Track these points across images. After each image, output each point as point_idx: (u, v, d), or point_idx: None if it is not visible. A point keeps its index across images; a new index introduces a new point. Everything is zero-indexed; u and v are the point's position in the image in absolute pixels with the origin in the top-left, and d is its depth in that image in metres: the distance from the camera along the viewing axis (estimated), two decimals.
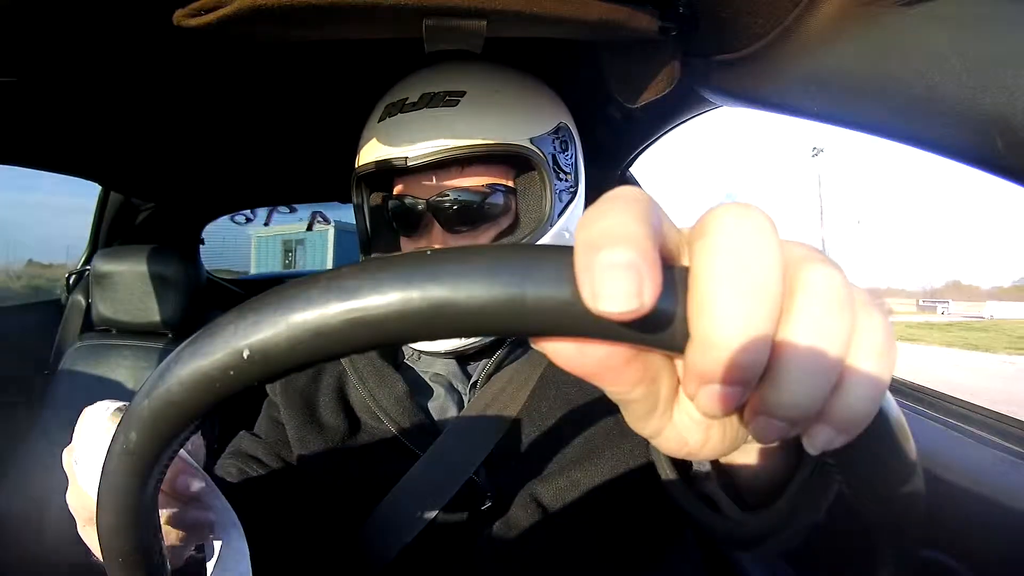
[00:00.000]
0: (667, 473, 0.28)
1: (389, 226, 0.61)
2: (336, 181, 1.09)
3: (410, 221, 0.57)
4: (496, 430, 0.52)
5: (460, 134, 0.53)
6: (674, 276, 0.16)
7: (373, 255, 0.63)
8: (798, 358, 0.16)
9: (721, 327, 0.15)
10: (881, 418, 0.18)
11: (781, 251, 0.16)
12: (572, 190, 0.59)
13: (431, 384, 0.58)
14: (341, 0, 0.40)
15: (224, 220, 1.72)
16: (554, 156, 0.57)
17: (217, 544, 0.33)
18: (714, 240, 0.16)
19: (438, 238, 0.56)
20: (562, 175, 0.58)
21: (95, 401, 0.34)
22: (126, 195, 1.41)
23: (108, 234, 1.45)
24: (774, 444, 0.22)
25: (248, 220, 1.78)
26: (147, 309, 1.29)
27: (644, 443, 0.22)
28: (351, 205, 0.64)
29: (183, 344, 0.18)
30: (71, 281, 1.47)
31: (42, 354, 1.38)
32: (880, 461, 0.19)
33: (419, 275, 0.16)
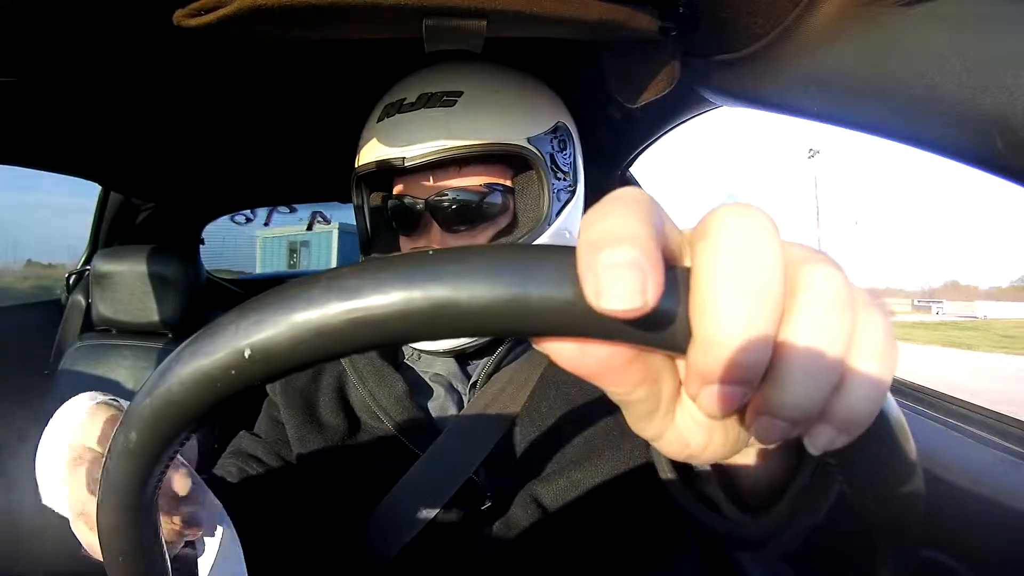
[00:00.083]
0: (667, 474, 0.28)
1: (388, 226, 0.61)
2: (336, 181, 1.09)
3: (409, 221, 0.57)
4: (496, 430, 0.52)
5: (457, 134, 0.53)
6: (676, 276, 0.16)
7: (373, 255, 0.63)
8: (800, 358, 0.16)
9: (723, 326, 0.15)
10: (882, 418, 0.18)
11: (783, 251, 0.16)
12: (571, 189, 0.59)
13: (431, 384, 0.58)
14: (341, 0, 0.40)
15: (224, 220, 1.72)
16: (552, 156, 0.57)
17: (208, 541, 0.33)
18: (716, 240, 0.16)
19: (436, 238, 0.56)
20: (560, 174, 0.58)
21: None
22: (126, 195, 1.41)
23: (108, 234, 1.45)
24: (775, 446, 0.22)
25: (248, 220, 1.78)
26: (147, 309, 1.29)
27: (644, 443, 0.22)
28: (352, 206, 0.64)
29: (184, 343, 0.18)
30: (71, 281, 1.48)
31: (42, 354, 1.38)
32: (881, 461, 0.19)
33: (421, 275, 0.16)
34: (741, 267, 0.16)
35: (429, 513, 0.49)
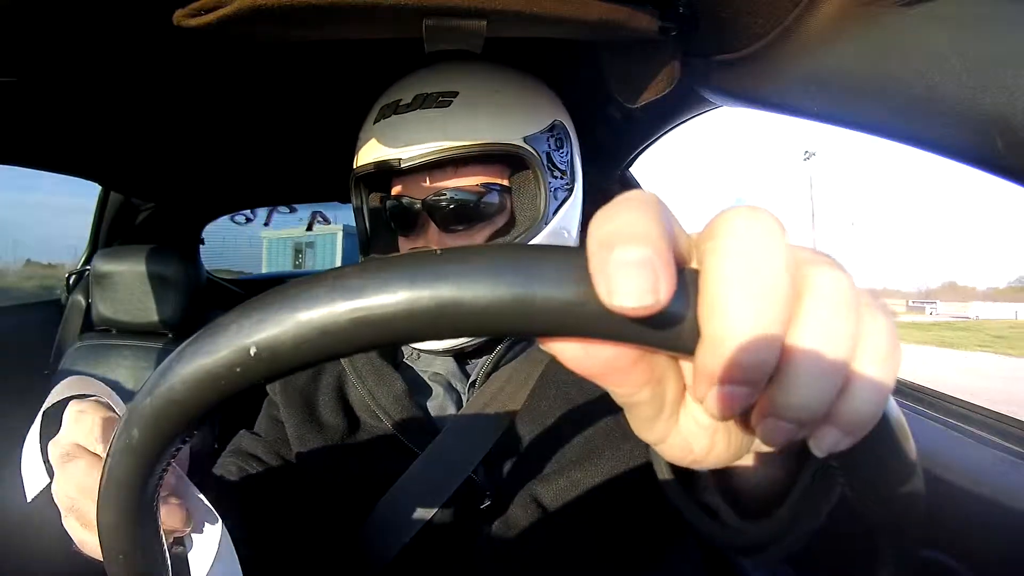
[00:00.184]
0: (666, 477, 0.28)
1: (387, 226, 0.62)
2: (336, 181, 1.09)
3: (406, 221, 0.58)
4: (495, 429, 0.52)
5: (453, 135, 0.53)
6: (685, 277, 0.16)
7: (372, 256, 0.63)
8: (807, 359, 0.16)
9: (732, 327, 0.15)
10: (883, 419, 0.18)
11: (791, 254, 0.16)
12: (568, 187, 0.59)
13: (430, 383, 0.58)
14: (341, 0, 0.40)
15: (224, 220, 1.72)
16: (548, 154, 0.57)
17: (195, 537, 0.33)
18: (725, 242, 0.16)
19: (434, 238, 0.56)
20: (557, 173, 0.58)
21: None
22: (126, 195, 1.41)
23: (108, 234, 1.45)
24: (777, 449, 0.22)
25: (248, 220, 1.78)
26: (147, 309, 1.29)
27: (644, 444, 0.22)
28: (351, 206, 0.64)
29: (186, 342, 0.18)
30: (71, 281, 1.47)
31: (42, 354, 1.38)
32: (882, 462, 0.19)
33: (427, 274, 0.16)
34: (750, 269, 0.16)
35: (428, 512, 0.49)
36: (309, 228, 2.16)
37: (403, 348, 0.62)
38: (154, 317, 1.29)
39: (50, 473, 0.33)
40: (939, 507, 0.45)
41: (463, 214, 0.55)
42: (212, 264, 1.88)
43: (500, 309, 0.16)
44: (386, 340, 0.16)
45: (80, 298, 1.41)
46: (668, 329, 0.16)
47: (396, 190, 0.59)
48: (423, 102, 0.55)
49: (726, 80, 0.52)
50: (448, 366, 0.59)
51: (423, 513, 0.49)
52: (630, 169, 1.06)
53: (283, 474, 0.55)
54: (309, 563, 0.52)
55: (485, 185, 0.56)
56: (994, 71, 0.28)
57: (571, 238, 0.60)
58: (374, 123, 0.58)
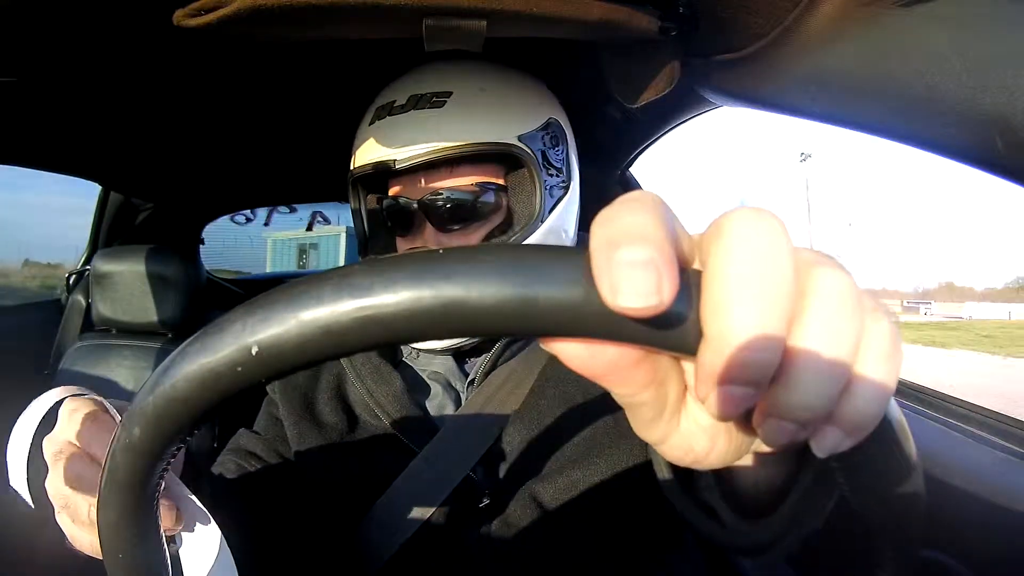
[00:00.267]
0: (665, 477, 0.28)
1: (384, 226, 0.62)
2: (336, 181, 1.09)
3: (403, 221, 0.58)
4: (494, 427, 0.52)
5: (447, 135, 0.53)
6: (688, 278, 0.16)
7: (370, 256, 0.63)
8: (809, 359, 0.16)
9: (736, 327, 0.15)
10: (884, 420, 0.18)
11: (794, 255, 0.16)
12: (564, 185, 0.59)
13: (429, 382, 0.58)
14: (341, 0, 0.40)
15: (224, 220, 1.72)
16: (544, 152, 0.57)
17: (185, 535, 0.33)
18: (730, 243, 0.16)
19: (431, 237, 0.56)
20: (552, 171, 0.58)
21: None
22: (126, 195, 1.41)
23: (108, 234, 1.45)
24: (779, 449, 0.22)
25: (248, 220, 1.78)
26: (147, 309, 1.29)
27: (644, 443, 0.23)
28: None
29: (188, 341, 0.18)
30: (71, 281, 1.48)
31: (42, 354, 1.38)
32: (882, 462, 0.19)
33: (431, 274, 0.16)
34: (754, 270, 0.16)
35: (427, 511, 0.49)
36: (309, 228, 2.15)
37: (402, 347, 0.62)
38: (154, 317, 1.29)
39: (35, 471, 0.33)
40: (939, 507, 0.45)
41: (459, 214, 0.55)
42: (212, 264, 1.88)
43: (504, 309, 0.16)
44: (390, 339, 0.16)
45: (80, 298, 1.41)
46: (671, 329, 0.16)
47: (393, 191, 0.59)
48: (417, 103, 0.55)
49: (726, 80, 0.52)
50: (447, 365, 0.59)
51: (421, 512, 0.49)
52: (630, 169, 1.06)
53: (282, 472, 0.55)
54: (307, 561, 0.52)
55: (480, 184, 0.56)
56: (994, 71, 0.28)
57: (568, 236, 0.60)
58: (369, 125, 0.58)
